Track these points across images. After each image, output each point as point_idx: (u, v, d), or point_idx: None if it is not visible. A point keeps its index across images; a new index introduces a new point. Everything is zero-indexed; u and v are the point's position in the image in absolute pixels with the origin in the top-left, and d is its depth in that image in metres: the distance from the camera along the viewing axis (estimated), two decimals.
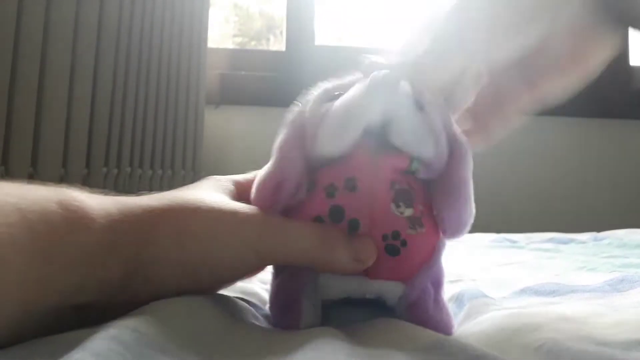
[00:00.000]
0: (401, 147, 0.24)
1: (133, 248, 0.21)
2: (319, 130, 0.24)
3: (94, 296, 0.20)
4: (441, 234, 0.26)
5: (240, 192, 0.27)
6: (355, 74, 0.27)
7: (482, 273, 0.45)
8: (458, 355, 0.19)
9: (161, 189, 1.02)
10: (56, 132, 0.91)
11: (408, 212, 0.24)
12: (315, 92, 0.26)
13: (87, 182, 0.94)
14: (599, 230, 0.83)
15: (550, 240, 0.71)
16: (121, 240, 0.21)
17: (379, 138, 0.24)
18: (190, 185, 0.26)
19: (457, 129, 0.26)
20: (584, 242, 0.69)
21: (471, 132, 0.28)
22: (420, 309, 0.25)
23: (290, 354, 0.19)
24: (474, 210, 0.26)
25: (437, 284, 0.26)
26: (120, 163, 0.98)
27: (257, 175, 0.26)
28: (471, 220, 0.26)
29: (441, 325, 0.25)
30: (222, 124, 1.17)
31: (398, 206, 0.24)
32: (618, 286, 0.36)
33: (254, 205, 0.25)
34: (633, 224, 1.17)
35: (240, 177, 0.28)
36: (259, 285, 0.36)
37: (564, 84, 0.27)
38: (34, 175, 0.90)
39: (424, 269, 0.25)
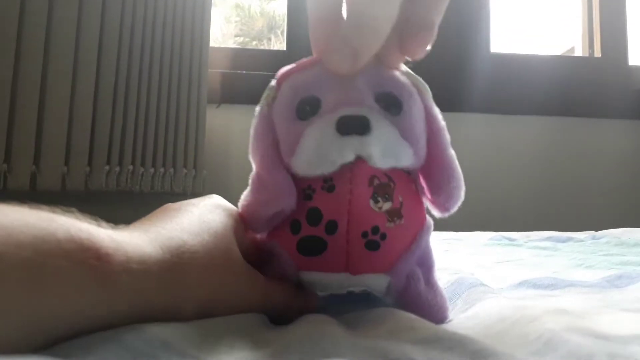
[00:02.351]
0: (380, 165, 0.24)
1: (147, 313, 0.20)
2: (294, 157, 0.24)
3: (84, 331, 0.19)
4: (425, 221, 0.26)
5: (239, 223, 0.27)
6: (314, 58, 0.26)
7: (481, 269, 0.46)
8: (457, 348, 0.20)
9: (163, 187, 1.02)
10: (58, 130, 0.92)
11: (387, 205, 0.24)
12: (280, 95, 0.26)
13: (90, 180, 0.95)
14: (597, 229, 0.84)
15: (548, 238, 0.72)
16: (135, 307, 0.20)
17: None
18: (205, 216, 0.25)
19: (432, 104, 0.26)
20: (582, 241, 0.70)
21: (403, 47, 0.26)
22: (411, 294, 0.25)
23: (290, 347, 0.19)
24: (463, 183, 0.26)
25: (427, 267, 0.26)
26: (122, 161, 0.98)
27: (246, 199, 0.26)
28: (463, 192, 0.26)
29: (435, 309, 0.26)
30: (223, 123, 1.17)
31: (377, 202, 0.24)
32: (616, 282, 0.36)
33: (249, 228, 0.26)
34: (631, 223, 1.18)
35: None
36: None
37: None
38: (36, 173, 0.90)
39: (404, 257, 0.25)
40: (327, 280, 0.25)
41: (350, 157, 0.23)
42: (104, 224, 0.21)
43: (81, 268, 0.18)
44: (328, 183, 0.24)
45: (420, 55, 0.26)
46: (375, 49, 0.24)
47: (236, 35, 1.46)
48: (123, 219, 0.24)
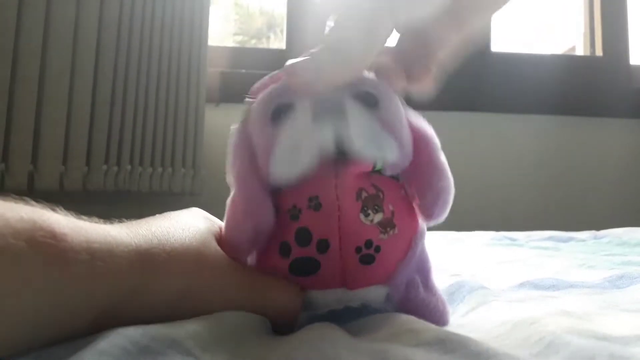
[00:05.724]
0: (363, 159, 0.23)
1: (117, 295, 0.19)
2: (271, 159, 0.23)
3: (50, 341, 0.18)
4: (418, 226, 0.25)
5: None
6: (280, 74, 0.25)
7: (482, 269, 0.45)
8: (459, 350, 0.19)
9: (161, 187, 1.02)
10: (56, 130, 0.91)
11: (378, 217, 0.23)
12: (254, 105, 0.25)
13: (87, 179, 0.95)
14: (598, 228, 0.83)
15: (549, 238, 0.71)
16: (102, 286, 0.19)
17: (337, 149, 0.23)
18: (183, 218, 0.25)
19: (413, 114, 0.26)
20: (583, 241, 0.69)
21: (409, 81, 0.27)
22: (412, 302, 0.25)
23: (291, 351, 0.19)
24: (453, 188, 0.25)
25: (425, 271, 0.26)
26: (120, 161, 0.98)
27: (225, 221, 0.25)
28: (452, 198, 0.25)
29: (437, 315, 0.25)
30: (222, 122, 1.16)
31: (367, 215, 0.23)
32: (617, 283, 0.36)
33: (231, 253, 0.25)
34: (632, 223, 1.18)
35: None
36: None
37: (486, 18, 0.28)
38: (34, 172, 0.90)
39: (401, 266, 0.24)
40: (324, 297, 0.24)
41: (328, 142, 0.22)
42: (65, 212, 0.20)
43: (34, 246, 0.17)
44: (314, 201, 0.23)
45: (421, 89, 0.26)
46: (345, 78, 0.23)
47: (235, 34, 1.45)
48: (121, 219, 0.24)
